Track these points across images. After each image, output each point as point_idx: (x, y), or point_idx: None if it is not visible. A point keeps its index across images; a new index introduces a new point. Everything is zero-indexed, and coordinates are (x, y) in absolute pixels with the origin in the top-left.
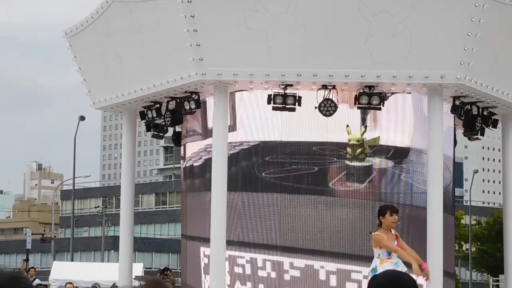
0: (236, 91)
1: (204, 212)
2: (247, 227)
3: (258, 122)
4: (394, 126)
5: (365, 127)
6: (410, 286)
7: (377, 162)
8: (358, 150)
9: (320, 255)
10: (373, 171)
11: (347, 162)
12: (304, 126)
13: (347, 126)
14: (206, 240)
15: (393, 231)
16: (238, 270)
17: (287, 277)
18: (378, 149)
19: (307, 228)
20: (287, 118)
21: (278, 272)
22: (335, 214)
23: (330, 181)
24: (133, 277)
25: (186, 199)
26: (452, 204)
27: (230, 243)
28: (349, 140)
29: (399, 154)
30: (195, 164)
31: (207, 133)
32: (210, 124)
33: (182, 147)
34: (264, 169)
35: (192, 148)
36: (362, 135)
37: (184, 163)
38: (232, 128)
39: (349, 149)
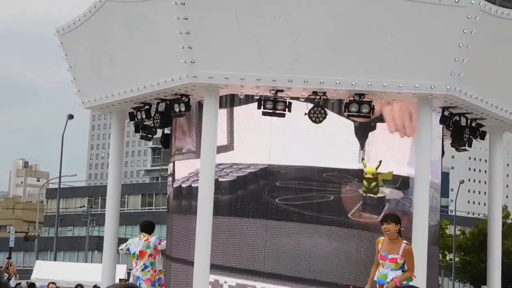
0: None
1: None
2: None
3: (260, 144)
4: (392, 154)
5: (380, 161)
6: None
7: (388, 192)
8: (373, 184)
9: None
10: (386, 203)
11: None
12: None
13: (363, 159)
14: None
15: (402, 247)
16: None
17: None
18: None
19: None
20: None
21: None
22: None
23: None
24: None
25: (172, 220)
26: (438, 235)
27: (238, 271)
28: (365, 174)
29: (404, 184)
30: (183, 185)
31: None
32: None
33: (171, 164)
34: (277, 195)
35: (184, 167)
36: (377, 168)
37: (174, 183)
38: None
39: (365, 182)
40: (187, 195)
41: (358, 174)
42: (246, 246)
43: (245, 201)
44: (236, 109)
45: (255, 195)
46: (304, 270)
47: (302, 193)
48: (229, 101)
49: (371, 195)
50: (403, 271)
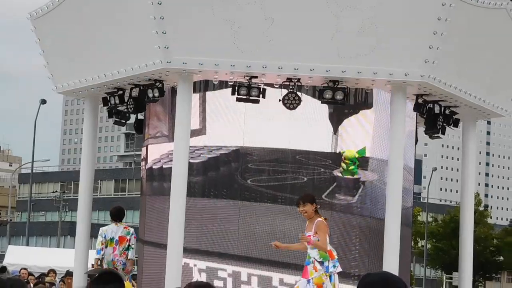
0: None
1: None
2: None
3: (233, 127)
4: (365, 138)
5: (364, 147)
6: (400, 286)
7: (362, 174)
8: (352, 167)
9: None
10: (361, 184)
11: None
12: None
13: (341, 152)
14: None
15: (314, 222)
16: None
17: None
18: (362, 160)
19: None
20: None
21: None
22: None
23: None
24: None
25: (145, 202)
26: (411, 218)
27: (209, 254)
28: (344, 158)
29: (378, 166)
30: (154, 167)
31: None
32: (158, 130)
33: (144, 149)
34: (250, 176)
35: (156, 150)
36: (358, 153)
37: (146, 165)
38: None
39: (343, 165)
40: (158, 177)
41: (331, 156)
42: (218, 229)
43: (218, 183)
44: (209, 94)
45: (227, 177)
46: (277, 252)
47: (275, 175)
48: (203, 87)
49: (349, 176)
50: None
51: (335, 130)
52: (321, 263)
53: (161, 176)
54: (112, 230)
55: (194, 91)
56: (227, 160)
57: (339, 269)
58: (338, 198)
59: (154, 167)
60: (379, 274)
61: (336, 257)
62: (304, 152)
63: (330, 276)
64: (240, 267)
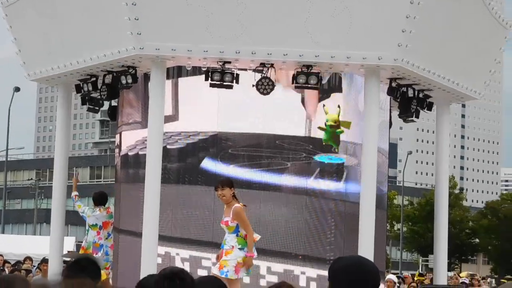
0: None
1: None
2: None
3: (205, 111)
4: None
5: (339, 106)
6: (372, 271)
7: (346, 158)
8: (337, 131)
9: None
10: (344, 169)
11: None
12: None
13: (324, 105)
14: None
15: (232, 208)
16: None
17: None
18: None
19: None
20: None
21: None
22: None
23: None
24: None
25: (120, 190)
26: (386, 201)
27: (188, 242)
28: (327, 121)
29: (356, 151)
30: (129, 153)
31: (147, 122)
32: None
33: (118, 135)
34: (230, 162)
35: (130, 137)
36: (338, 115)
37: (121, 152)
38: (174, 118)
39: (326, 130)
40: (134, 164)
41: (311, 141)
42: (196, 216)
43: (195, 169)
44: (182, 80)
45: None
46: (262, 240)
47: (255, 160)
48: (176, 73)
49: (332, 144)
50: (237, 235)
51: (308, 115)
52: (241, 249)
53: (137, 163)
54: (95, 217)
55: (168, 77)
56: (205, 146)
57: (255, 253)
58: (321, 184)
59: (129, 153)
60: (350, 258)
61: (255, 240)
62: (284, 137)
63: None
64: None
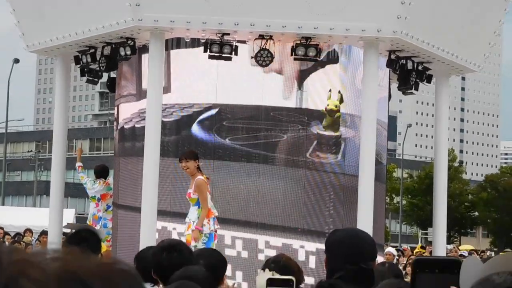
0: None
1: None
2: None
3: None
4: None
5: (339, 92)
6: (368, 243)
7: (343, 131)
8: (337, 115)
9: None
10: (342, 141)
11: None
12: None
13: (330, 90)
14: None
15: (194, 180)
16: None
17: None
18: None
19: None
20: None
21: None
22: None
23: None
24: (64, 224)
25: (119, 164)
26: (385, 173)
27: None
28: (328, 105)
29: (352, 123)
30: (126, 127)
31: (141, 94)
32: (144, 85)
33: (116, 108)
34: (226, 135)
35: (126, 110)
36: (339, 101)
37: (118, 126)
38: (167, 89)
39: (328, 117)
40: (130, 137)
41: (306, 113)
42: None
43: (192, 142)
44: (174, 52)
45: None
46: (261, 214)
47: (252, 132)
48: (175, 44)
49: (331, 132)
50: (199, 207)
51: (300, 86)
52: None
53: (133, 136)
54: (94, 190)
55: (166, 49)
56: (200, 119)
57: (217, 226)
58: (319, 157)
59: (125, 126)
60: (346, 230)
61: (214, 215)
62: (279, 109)
63: (210, 234)
64: (223, 230)
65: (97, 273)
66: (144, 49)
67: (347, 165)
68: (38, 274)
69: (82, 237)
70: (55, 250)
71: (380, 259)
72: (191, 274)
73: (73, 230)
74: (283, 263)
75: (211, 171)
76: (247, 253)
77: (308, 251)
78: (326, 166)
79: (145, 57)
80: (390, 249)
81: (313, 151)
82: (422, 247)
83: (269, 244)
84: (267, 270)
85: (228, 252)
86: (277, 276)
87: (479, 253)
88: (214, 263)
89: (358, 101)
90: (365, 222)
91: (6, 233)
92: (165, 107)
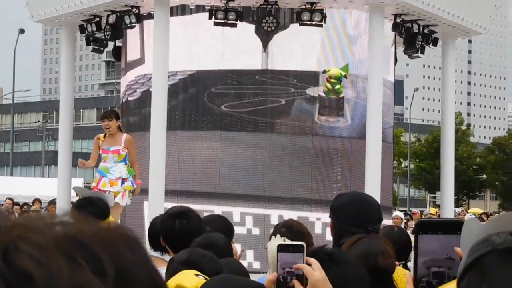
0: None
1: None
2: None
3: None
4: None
5: (347, 65)
6: (373, 206)
7: (344, 92)
8: (337, 86)
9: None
10: (344, 103)
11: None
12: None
13: (324, 71)
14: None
15: (123, 137)
16: None
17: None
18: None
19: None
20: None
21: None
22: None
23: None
24: (73, 186)
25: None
26: (393, 134)
27: (191, 194)
28: (329, 77)
29: (354, 83)
30: (130, 99)
31: (126, 67)
32: (129, 57)
33: (122, 79)
34: (221, 102)
35: (124, 83)
36: (343, 69)
37: (122, 99)
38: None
39: (328, 84)
40: (124, 111)
41: (297, 75)
42: (198, 164)
43: (194, 111)
44: (146, 22)
45: (191, 102)
46: (271, 187)
47: (242, 98)
48: (180, 11)
49: (333, 96)
50: (125, 163)
51: (264, 47)
52: (127, 178)
53: (126, 110)
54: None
55: (171, 15)
56: (186, 86)
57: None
58: (322, 120)
59: (123, 100)
60: (351, 194)
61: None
62: (265, 71)
63: (132, 191)
64: (230, 207)
65: (97, 237)
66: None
67: (351, 126)
68: (38, 238)
69: (89, 202)
70: (54, 215)
71: (389, 222)
72: (213, 241)
73: (81, 196)
74: (296, 228)
75: (220, 141)
76: (258, 229)
77: (325, 223)
78: (330, 129)
79: (146, 25)
80: (397, 213)
81: (316, 114)
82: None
83: (283, 219)
84: (278, 236)
85: (236, 231)
86: (288, 241)
87: (488, 216)
88: (222, 229)
89: (362, 61)
90: (372, 184)
91: (15, 203)
92: (145, 78)
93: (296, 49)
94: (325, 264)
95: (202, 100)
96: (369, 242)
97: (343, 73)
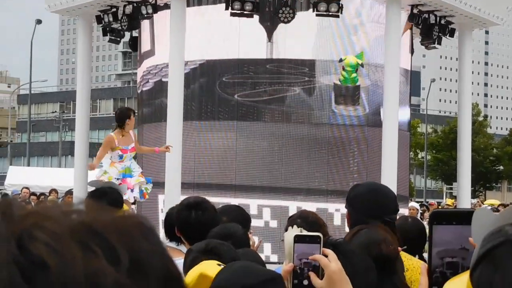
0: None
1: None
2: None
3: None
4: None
5: (361, 52)
6: (389, 196)
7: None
8: (353, 75)
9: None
10: (360, 92)
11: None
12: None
13: (341, 60)
14: (163, 186)
15: (131, 133)
16: None
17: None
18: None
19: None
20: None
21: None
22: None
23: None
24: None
25: (142, 132)
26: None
27: (207, 187)
28: (345, 66)
29: (372, 72)
30: (143, 89)
31: (141, 58)
32: (143, 48)
33: (139, 70)
34: (233, 91)
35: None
36: (358, 57)
37: (137, 89)
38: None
39: (344, 73)
40: (139, 102)
41: (303, 63)
42: (216, 155)
43: (211, 101)
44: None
45: (208, 93)
46: (288, 178)
47: (258, 87)
48: (197, 1)
49: (350, 84)
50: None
51: (269, 37)
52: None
53: (141, 101)
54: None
55: (188, 5)
56: (195, 76)
57: None
58: (339, 109)
59: (143, 89)
60: (368, 184)
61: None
62: (275, 60)
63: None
64: (247, 199)
65: (112, 226)
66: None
67: (367, 114)
68: (53, 226)
69: (103, 192)
70: (69, 203)
71: (405, 211)
72: (231, 232)
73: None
74: (311, 219)
75: (237, 131)
76: (276, 222)
77: (344, 215)
78: (346, 118)
79: (156, 16)
80: (413, 204)
81: (332, 103)
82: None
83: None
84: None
85: (253, 223)
86: (305, 232)
87: (505, 207)
88: (239, 219)
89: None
90: (389, 172)
91: (32, 194)
92: (158, 68)
93: (303, 38)
94: None
95: (214, 90)
96: (368, 232)
97: (360, 62)
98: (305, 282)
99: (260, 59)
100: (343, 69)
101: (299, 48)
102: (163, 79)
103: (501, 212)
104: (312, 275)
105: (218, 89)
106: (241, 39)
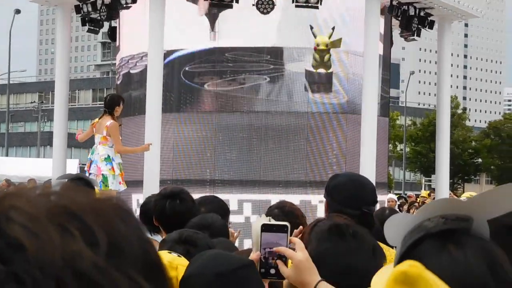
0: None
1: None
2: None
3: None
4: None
5: (333, 29)
6: (368, 188)
7: (333, 68)
8: (326, 57)
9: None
10: (334, 79)
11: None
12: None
13: (312, 28)
14: (139, 185)
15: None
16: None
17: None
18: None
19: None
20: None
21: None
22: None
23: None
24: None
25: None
26: (388, 108)
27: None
28: (317, 45)
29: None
30: (118, 83)
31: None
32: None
33: (117, 61)
34: (200, 80)
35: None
36: (329, 37)
37: (117, 80)
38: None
39: (316, 55)
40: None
41: (268, 51)
42: (193, 152)
43: (176, 92)
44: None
45: (172, 83)
46: (268, 171)
47: (225, 76)
48: None
49: (323, 70)
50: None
51: (212, 27)
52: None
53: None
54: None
55: None
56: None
57: None
58: (314, 97)
59: (117, 82)
60: (347, 175)
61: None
62: (231, 49)
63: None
64: (227, 194)
65: (90, 208)
66: None
67: (345, 102)
68: (30, 208)
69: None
70: (46, 186)
71: (385, 198)
72: (209, 222)
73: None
74: (288, 209)
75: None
76: (257, 217)
77: None
78: (322, 106)
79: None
80: (391, 195)
81: (306, 91)
82: (429, 194)
83: None
84: (263, 215)
85: (234, 219)
86: (273, 221)
87: None
88: (217, 210)
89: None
90: (369, 160)
91: (10, 185)
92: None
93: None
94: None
95: (179, 79)
96: (325, 222)
97: (329, 43)
98: (272, 271)
99: (221, 48)
100: (315, 49)
101: (262, 35)
102: (131, 71)
103: (418, 211)
104: (280, 263)
105: (183, 78)
106: (191, 28)
